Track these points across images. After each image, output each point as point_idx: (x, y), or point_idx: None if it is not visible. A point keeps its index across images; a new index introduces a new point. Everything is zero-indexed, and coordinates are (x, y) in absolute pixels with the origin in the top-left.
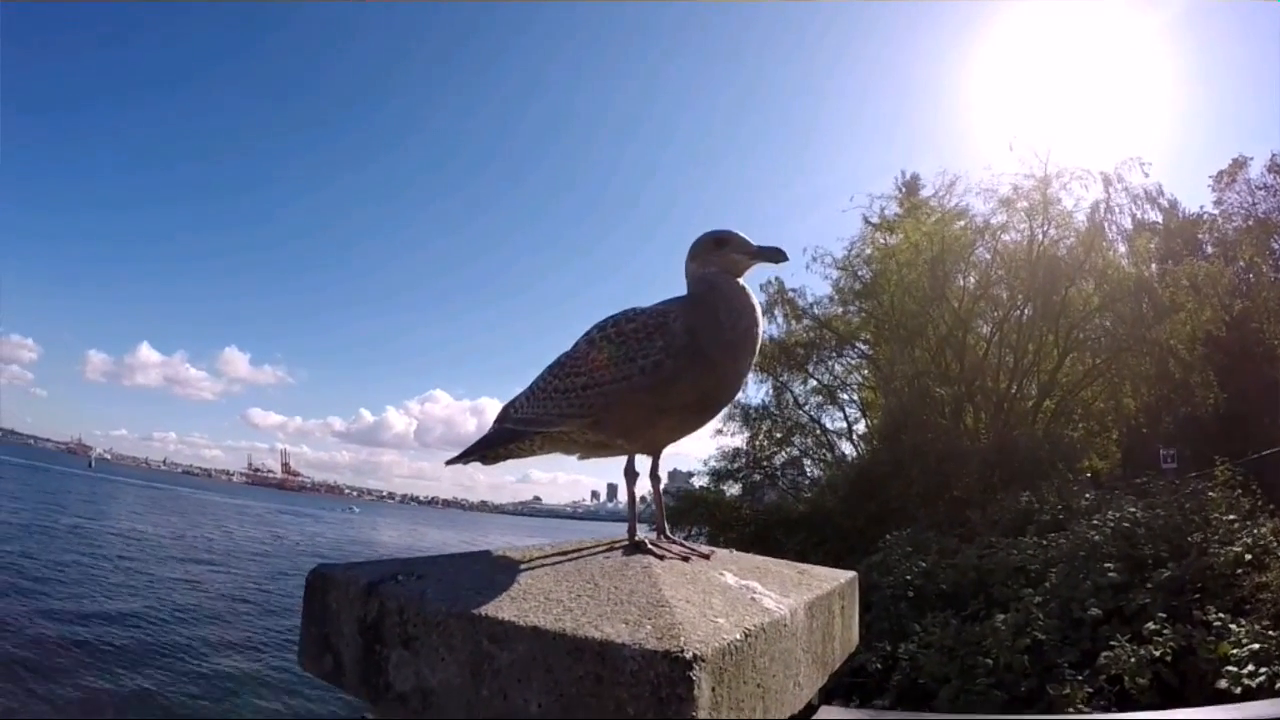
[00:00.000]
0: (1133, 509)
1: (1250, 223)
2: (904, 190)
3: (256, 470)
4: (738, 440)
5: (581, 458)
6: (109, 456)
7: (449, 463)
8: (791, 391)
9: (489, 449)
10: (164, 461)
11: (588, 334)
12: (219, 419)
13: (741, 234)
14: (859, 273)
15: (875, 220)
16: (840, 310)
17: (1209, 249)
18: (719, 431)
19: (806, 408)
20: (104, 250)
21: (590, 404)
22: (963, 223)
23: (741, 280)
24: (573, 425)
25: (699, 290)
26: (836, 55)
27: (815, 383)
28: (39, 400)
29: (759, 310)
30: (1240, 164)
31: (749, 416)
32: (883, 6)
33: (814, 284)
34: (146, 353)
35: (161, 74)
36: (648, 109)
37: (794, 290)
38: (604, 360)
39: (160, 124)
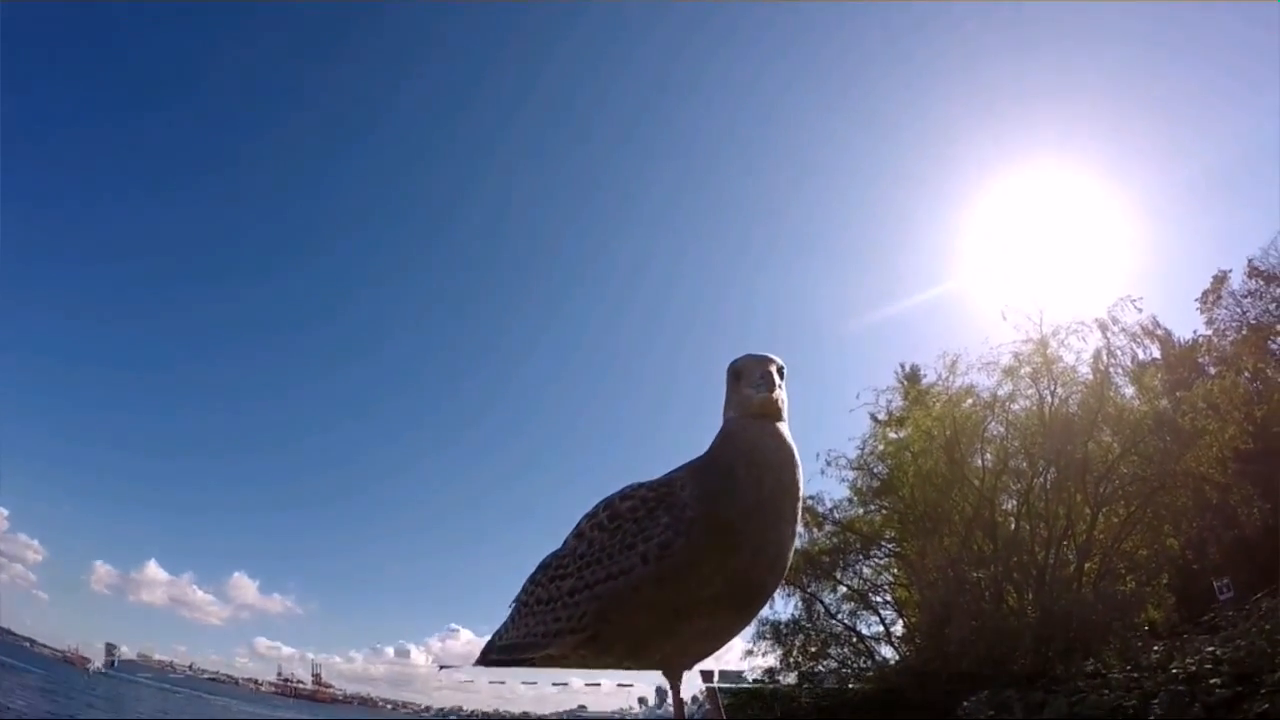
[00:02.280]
0: (1210, 648)
1: (1244, 332)
2: (906, 381)
3: (286, 680)
4: (770, 659)
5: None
6: (106, 672)
7: None
8: (822, 601)
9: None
10: (190, 666)
11: (576, 525)
12: (226, 645)
13: (759, 357)
14: (875, 470)
15: (883, 417)
16: (861, 511)
17: (1211, 370)
18: (749, 652)
19: (840, 616)
20: (117, 463)
21: (583, 613)
22: (970, 400)
23: (781, 425)
24: (567, 646)
25: (713, 445)
26: (822, 258)
27: (845, 589)
28: (39, 602)
29: (796, 456)
30: (1221, 279)
31: (780, 633)
32: (846, 215)
33: (830, 488)
34: (154, 570)
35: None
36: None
37: (812, 498)
38: (596, 553)
39: (176, 358)
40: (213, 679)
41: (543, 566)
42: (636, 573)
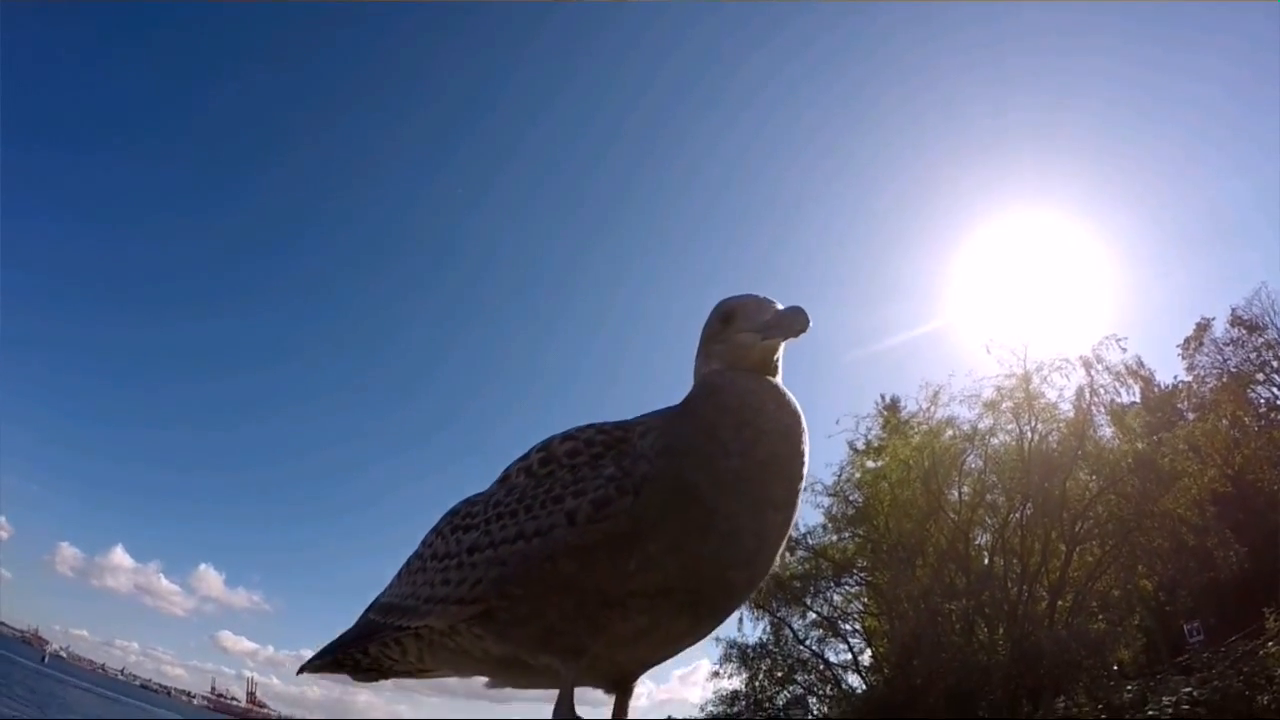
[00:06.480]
0: (1187, 689)
1: (1224, 379)
2: (885, 411)
3: (220, 695)
4: (735, 682)
5: (493, 685)
6: (64, 655)
7: (301, 670)
8: (790, 627)
9: (345, 651)
10: (123, 671)
11: (506, 469)
12: (187, 636)
13: (760, 297)
14: (850, 498)
15: (861, 446)
16: (834, 538)
17: (1190, 415)
18: (715, 674)
19: (808, 642)
20: (91, 445)
21: (477, 579)
22: (950, 432)
23: (776, 380)
24: (451, 618)
25: (690, 396)
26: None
27: (814, 615)
28: (2, 580)
29: (803, 422)
30: (1204, 327)
31: (747, 657)
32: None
33: (805, 513)
34: (120, 556)
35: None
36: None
37: None
38: (513, 504)
39: (163, 349)
40: (144, 686)
41: (452, 512)
42: (556, 535)
